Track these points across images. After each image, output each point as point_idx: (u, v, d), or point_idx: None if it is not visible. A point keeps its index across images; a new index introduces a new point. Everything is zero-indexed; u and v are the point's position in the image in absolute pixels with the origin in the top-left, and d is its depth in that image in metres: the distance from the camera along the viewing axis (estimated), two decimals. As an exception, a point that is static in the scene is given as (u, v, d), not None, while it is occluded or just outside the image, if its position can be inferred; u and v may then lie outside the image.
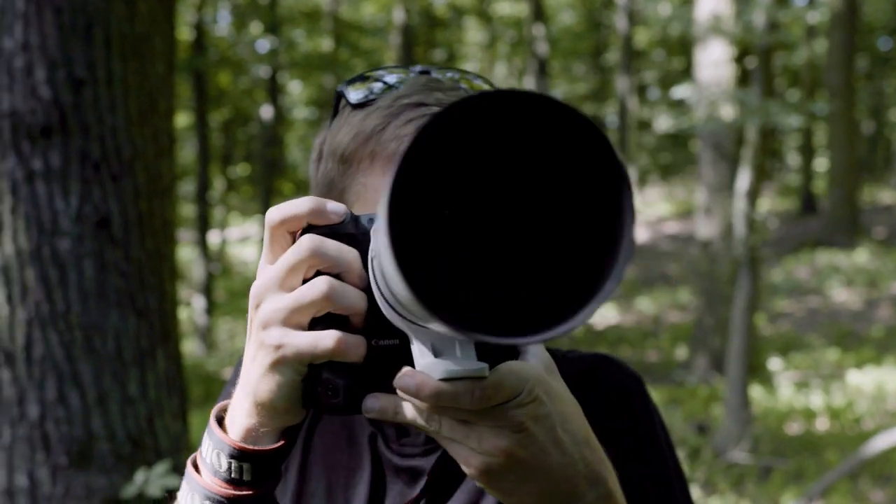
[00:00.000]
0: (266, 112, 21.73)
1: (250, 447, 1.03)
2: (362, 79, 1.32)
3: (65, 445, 3.36)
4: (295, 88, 26.99)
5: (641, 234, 22.20)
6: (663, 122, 13.62)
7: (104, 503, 3.37)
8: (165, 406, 3.59)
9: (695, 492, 7.13)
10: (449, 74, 1.33)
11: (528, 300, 0.89)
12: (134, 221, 3.53)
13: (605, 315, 15.50)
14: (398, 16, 21.76)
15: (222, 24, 24.13)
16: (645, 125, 27.43)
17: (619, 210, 0.83)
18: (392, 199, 0.79)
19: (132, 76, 3.55)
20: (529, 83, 21.18)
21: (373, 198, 1.21)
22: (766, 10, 9.00)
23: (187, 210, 21.17)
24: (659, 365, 12.81)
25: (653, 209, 25.75)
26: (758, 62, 9.72)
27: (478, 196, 0.87)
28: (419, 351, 0.93)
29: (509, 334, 0.82)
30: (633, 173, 26.41)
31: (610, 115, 29.94)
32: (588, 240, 0.87)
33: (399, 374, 0.91)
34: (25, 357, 3.35)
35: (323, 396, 1.00)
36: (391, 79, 1.30)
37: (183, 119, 20.50)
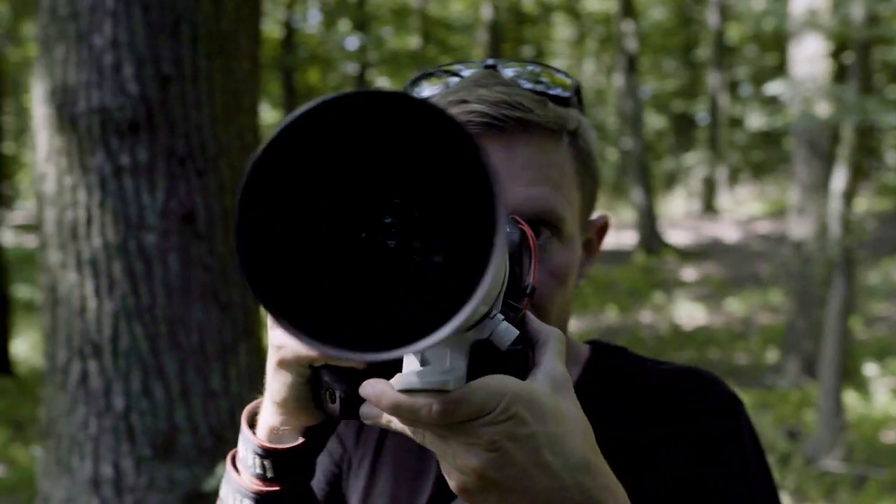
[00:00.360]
0: (354, 109, 21.87)
1: (271, 445, 1.06)
2: (438, 74, 1.29)
3: (149, 437, 3.40)
4: (383, 85, 27.20)
5: (732, 233, 21.77)
6: (756, 120, 13.33)
7: (186, 495, 3.41)
8: (247, 400, 3.60)
9: (785, 499, 6.94)
10: (529, 68, 1.29)
11: (390, 313, 0.85)
12: (218, 217, 3.56)
13: (693, 315, 15.22)
14: (486, 12, 21.71)
15: (312, 21, 24.44)
16: (736, 122, 26.87)
17: (489, 219, 0.76)
18: (241, 206, 0.77)
19: (217, 73, 3.58)
20: (618, 80, 20.94)
21: None
22: (865, 3, 8.70)
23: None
24: (748, 367, 12.52)
25: (744, 208, 25.22)
26: (855, 57, 9.42)
27: (337, 201, 0.84)
28: (408, 360, 0.90)
29: (361, 349, 0.78)
30: (723, 171, 25.92)
31: (700, 112, 29.43)
32: (457, 247, 0.83)
33: (363, 384, 0.89)
34: (112, 349, 3.41)
35: (324, 400, 1.00)
36: (467, 73, 1.28)
37: (273, 116, 20.80)
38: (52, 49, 3.49)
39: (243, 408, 1.09)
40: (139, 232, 3.42)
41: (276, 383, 1.01)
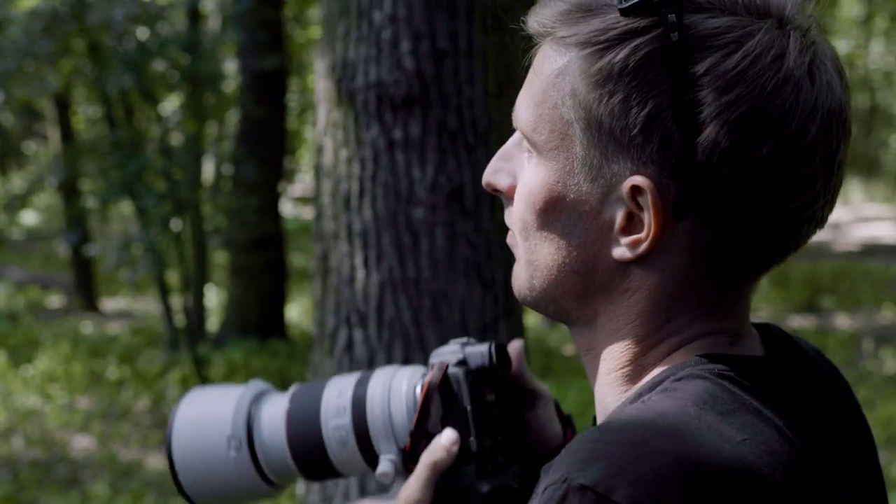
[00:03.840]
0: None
1: None
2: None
3: (409, 408, 3.44)
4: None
5: None
6: None
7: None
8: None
9: None
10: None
11: None
12: (485, 193, 3.50)
13: None
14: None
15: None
16: None
17: None
18: None
19: (492, 48, 3.55)
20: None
21: None
22: None
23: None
24: None
25: None
26: None
27: None
28: None
29: None
30: None
31: None
32: None
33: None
34: (377, 319, 3.48)
35: None
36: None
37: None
38: (335, 25, 3.59)
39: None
40: (408, 206, 3.46)
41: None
